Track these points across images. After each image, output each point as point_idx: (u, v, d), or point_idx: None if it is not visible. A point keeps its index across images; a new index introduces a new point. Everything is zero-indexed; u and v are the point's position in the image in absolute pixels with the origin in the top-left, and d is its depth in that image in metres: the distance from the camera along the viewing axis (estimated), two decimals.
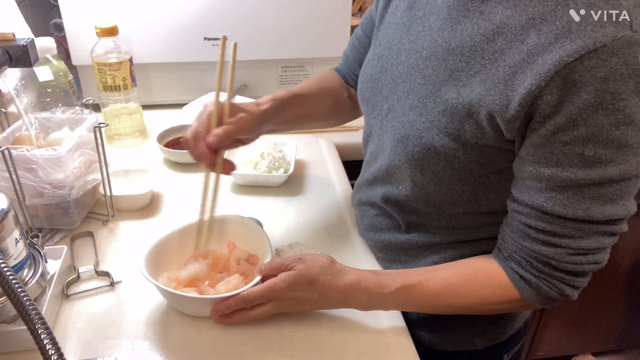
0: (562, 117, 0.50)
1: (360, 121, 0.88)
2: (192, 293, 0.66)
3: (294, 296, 0.63)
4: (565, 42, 0.49)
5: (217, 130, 0.63)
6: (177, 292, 0.64)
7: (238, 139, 0.68)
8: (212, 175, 0.67)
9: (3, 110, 0.85)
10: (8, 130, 0.80)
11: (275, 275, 0.64)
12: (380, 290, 0.63)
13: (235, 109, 0.66)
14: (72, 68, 1.12)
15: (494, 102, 0.55)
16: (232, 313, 0.64)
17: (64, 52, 1.19)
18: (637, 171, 0.53)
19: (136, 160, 1.05)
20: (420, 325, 0.69)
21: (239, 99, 1.23)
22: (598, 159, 0.51)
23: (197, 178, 0.99)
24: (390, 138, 0.67)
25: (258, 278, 0.65)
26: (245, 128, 0.66)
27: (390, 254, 0.77)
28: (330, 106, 0.86)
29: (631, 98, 0.48)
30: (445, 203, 0.67)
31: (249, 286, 0.64)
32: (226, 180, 0.97)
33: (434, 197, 0.66)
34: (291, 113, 0.77)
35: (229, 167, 0.66)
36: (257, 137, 0.72)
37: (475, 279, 0.63)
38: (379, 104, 0.70)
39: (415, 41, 0.64)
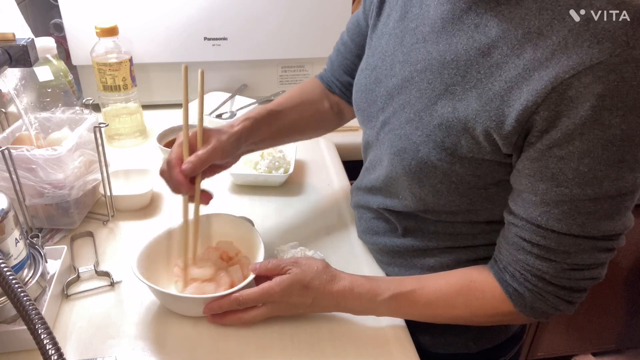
0: (558, 131, 0.50)
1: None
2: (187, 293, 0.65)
3: (288, 301, 0.63)
4: (561, 57, 0.49)
5: (190, 158, 0.63)
6: (169, 291, 0.64)
7: (216, 165, 0.68)
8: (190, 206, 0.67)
9: (3, 110, 0.85)
10: (8, 130, 0.80)
11: (269, 277, 0.64)
12: (372, 298, 0.63)
13: (207, 135, 0.66)
14: (72, 68, 1.11)
15: (490, 117, 0.54)
16: (225, 314, 0.64)
17: (64, 52, 1.19)
18: (633, 187, 0.52)
19: (136, 160, 1.05)
20: (414, 327, 0.69)
21: (238, 99, 1.23)
22: (593, 174, 0.51)
23: None
24: (387, 150, 0.66)
25: (252, 276, 0.65)
26: (218, 153, 0.65)
27: (387, 257, 0.77)
28: (311, 119, 0.85)
29: (628, 114, 0.48)
30: (443, 213, 0.66)
31: (242, 285, 0.64)
32: (226, 181, 0.97)
33: (432, 208, 0.66)
34: (268, 131, 0.76)
35: (206, 198, 0.67)
36: (236, 159, 0.72)
37: (469, 290, 0.62)
38: (374, 115, 0.69)
39: (409, 53, 0.63)
